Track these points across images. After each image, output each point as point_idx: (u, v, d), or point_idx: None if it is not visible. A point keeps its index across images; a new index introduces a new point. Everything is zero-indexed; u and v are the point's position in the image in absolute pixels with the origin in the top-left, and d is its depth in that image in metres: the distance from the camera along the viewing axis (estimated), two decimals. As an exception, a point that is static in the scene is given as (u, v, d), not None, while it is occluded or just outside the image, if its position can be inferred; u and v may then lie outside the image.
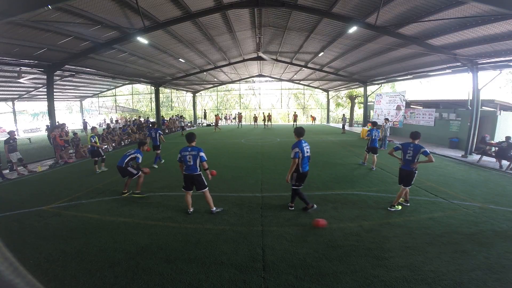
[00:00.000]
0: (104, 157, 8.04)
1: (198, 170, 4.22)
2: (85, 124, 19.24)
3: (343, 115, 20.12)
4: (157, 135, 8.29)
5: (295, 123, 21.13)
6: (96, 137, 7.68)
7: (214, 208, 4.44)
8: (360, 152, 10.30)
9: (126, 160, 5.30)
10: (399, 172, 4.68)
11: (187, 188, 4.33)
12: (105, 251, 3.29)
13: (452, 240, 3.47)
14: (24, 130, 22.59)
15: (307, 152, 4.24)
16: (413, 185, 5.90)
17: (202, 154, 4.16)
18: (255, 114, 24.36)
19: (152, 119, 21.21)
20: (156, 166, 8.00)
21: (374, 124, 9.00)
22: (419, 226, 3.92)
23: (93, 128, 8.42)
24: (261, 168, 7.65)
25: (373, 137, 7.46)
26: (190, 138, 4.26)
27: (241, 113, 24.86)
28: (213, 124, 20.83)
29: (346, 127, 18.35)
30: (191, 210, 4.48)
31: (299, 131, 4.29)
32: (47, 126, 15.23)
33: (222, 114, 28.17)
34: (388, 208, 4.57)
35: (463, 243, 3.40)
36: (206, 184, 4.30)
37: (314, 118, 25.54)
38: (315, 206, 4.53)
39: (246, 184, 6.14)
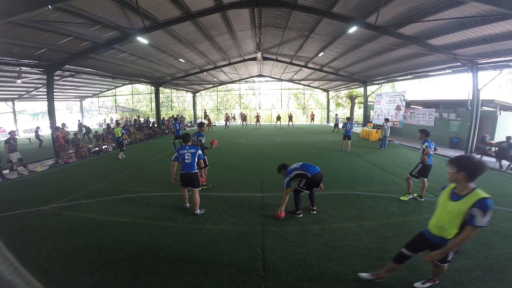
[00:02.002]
0: (124, 148, 10.19)
1: (195, 168, 4.30)
2: (81, 126, 18.05)
3: (336, 114, 21.22)
4: (180, 127, 10.50)
5: (290, 122, 23.12)
6: (124, 131, 10.48)
7: (198, 211, 4.40)
8: (360, 152, 10.32)
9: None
10: (427, 168, 4.87)
11: (184, 184, 4.40)
12: (105, 251, 3.29)
13: (452, 240, 3.47)
14: (24, 130, 22.56)
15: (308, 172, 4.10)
16: (413, 185, 5.99)
17: (200, 152, 4.37)
18: (257, 113, 24.65)
19: (152, 119, 21.26)
20: None
21: (348, 118, 11.26)
22: (419, 226, 3.90)
23: (119, 124, 11.37)
24: (261, 168, 7.65)
25: (347, 128, 10.07)
26: (186, 139, 4.49)
27: (245, 114, 25.37)
28: (213, 124, 21.46)
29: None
30: (187, 205, 4.59)
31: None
32: (37, 128, 15.45)
33: (231, 113, 28.02)
34: (419, 199, 4.99)
35: (463, 243, 3.40)
36: (199, 184, 4.40)
37: (313, 116, 25.70)
38: (301, 215, 4.31)
39: (246, 184, 6.14)
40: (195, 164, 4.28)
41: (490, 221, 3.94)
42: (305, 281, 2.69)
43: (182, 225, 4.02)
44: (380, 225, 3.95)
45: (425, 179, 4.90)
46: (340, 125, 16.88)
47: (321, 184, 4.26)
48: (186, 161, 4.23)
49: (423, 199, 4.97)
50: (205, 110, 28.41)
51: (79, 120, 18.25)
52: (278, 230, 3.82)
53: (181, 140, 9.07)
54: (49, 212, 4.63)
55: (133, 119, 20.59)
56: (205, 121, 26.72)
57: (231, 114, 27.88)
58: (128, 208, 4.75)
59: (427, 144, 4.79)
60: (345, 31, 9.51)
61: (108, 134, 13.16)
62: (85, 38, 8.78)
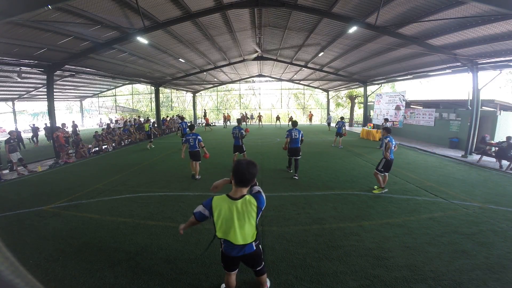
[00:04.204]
0: (152, 139, 12.31)
1: (197, 148, 6.37)
2: (75, 127, 16.57)
3: (328, 113, 22.85)
4: (186, 126, 11.13)
5: (290, 122, 22.82)
6: (151, 125, 12.50)
7: (198, 176, 6.52)
8: (360, 152, 10.32)
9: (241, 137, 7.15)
10: (390, 163, 5.37)
11: (192, 159, 6.52)
12: (105, 251, 3.29)
13: (452, 240, 3.47)
14: (24, 130, 22.56)
15: (294, 135, 6.51)
16: (413, 185, 6.00)
17: (199, 137, 6.35)
18: (259, 113, 24.85)
19: (152, 119, 21.27)
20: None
21: (342, 118, 12.11)
22: (419, 226, 3.92)
23: (148, 120, 13.55)
24: (260, 168, 7.64)
25: (338, 126, 11.29)
26: (192, 128, 6.74)
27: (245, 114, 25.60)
28: (212, 124, 21.68)
29: (347, 127, 18.47)
30: (194, 174, 6.51)
31: (293, 123, 6.85)
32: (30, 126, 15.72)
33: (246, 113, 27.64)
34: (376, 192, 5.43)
35: (463, 243, 3.40)
36: (200, 158, 6.46)
37: (311, 116, 25.92)
38: (292, 172, 6.73)
39: (246, 184, 6.14)
40: (197, 145, 6.32)
41: (490, 221, 4.00)
42: (305, 281, 2.69)
43: (182, 225, 4.01)
44: (380, 225, 3.95)
45: (387, 173, 5.45)
46: (333, 124, 17.33)
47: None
48: (191, 143, 6.34)
49: (386, 190, 5.46)
50: (205, 110, 28.43)
51: (73, 121, 17.27)
52: (278, 230, 3.82)
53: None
54: (49, 212, 4.63)
55: (133, 119, 20.57)
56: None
57: (249, 114, 27.35)
58: (128, 208, 4.75)
59: (389, 139, 5.28)
60: (345, 31, 9.51)
61: (108, 134, 13.17)
62: (85, 38, 8.78)
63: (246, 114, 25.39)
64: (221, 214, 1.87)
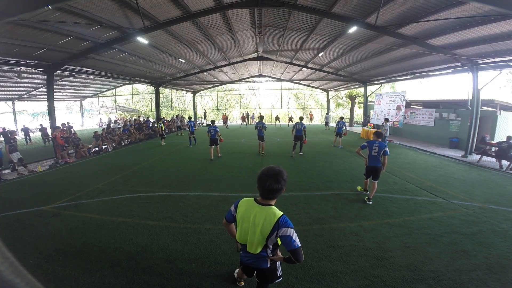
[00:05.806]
0: (165, 136, 13.46)
1: (216, 136, 8.74)
2: (69, 128, 14.98)
3: (326, 113, 23.66)
4: (193, 124, 12.81)
5: (291, 122, 24.57)
6: (162, 124, 13.30)
7: (220, 155, 9.30)
8: (360, 152, 10.32)
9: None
10: (368, 169, 5.04)
11: (211, 145, 8.86)
12: (105, 251, 3.30)
13: (452, 240, 3.47)
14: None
15: (297, 127, 9.14)
16: (413, 185, 5.99)
17: (217, 129, 8.82)
18: (260, 113, 24.87)
19: (152, 119, 21.31)
20: (191, 146, 12.21)
21: (341, 118, 12.25)
22: (419, 226, 3.92)
23: (160, 119, 15.38)
24: (261, 168, 7.63)
25: (339, 126, 11.52)
26: (213, 122, 9.35)
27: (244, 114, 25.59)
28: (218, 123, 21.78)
29: (347, 127, 18.50)
30: (212, 158, 8.78)
31: (300, 118, 9.67)
32: (23, 126, 16.62)
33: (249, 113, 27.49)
34: (367, 202, 4.90)
35: (463, 243, 3.40)
36: (218, 143, 8.95)
37: (312, 116, 25.99)
38: (293, 155, 9.29)
39: (246, 184, 6.14)
40: (216, 134, 8.73)
41: (490, 221, 4.01)
42: (305, 281, 2.69)
43: (182, 225, 4.02)
44: (380, 225, 3.95)
45: (375, 181, 5.01)
46: (333, 124, 17.35)
47: (305, 140, 9.24)
48: (212, 133, 8.71)
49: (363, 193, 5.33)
50: (205, 110, 28.42)
51: (68, 122, 16.40)
52: (278, 230, 3.81)
53: (194, 135, 12.80)
54: (49, 212, 4.63)
55: (133, 119, 20.53)
56: (206, 121, 26.84)
57: (250, 113, 27.26)
58: (128, 208, 4.75)
59: (362, 146, 5.06)
60: (345, 31, 9.50)
61: (107, 134, 13.16)
62: (85, 38, 8.78)
63: (248, 113, 25.47)
64: (241, 212, 1.88)
